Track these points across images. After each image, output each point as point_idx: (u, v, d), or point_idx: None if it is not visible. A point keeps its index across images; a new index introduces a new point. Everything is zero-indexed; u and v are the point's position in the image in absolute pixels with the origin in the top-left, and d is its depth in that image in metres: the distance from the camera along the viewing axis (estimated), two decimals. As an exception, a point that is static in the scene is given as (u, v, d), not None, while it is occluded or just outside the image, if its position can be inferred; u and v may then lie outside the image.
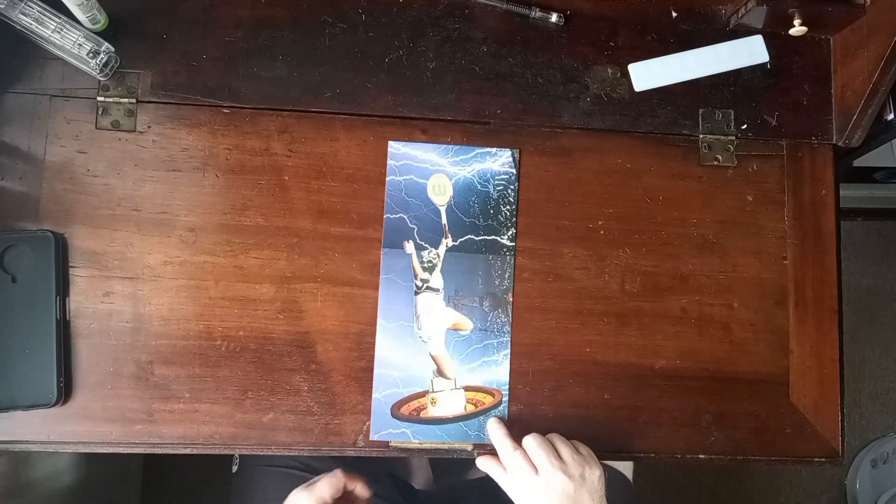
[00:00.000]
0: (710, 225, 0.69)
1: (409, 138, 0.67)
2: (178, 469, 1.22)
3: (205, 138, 0.65)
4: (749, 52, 0.71)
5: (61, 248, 0.62)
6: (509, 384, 0.66)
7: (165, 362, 0.63)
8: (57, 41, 0.61)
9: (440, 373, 0.65)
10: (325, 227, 0.65)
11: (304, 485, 0.61)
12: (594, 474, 0.59)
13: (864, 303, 1.47)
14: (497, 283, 0.66)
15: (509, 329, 0.66)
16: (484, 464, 0.63)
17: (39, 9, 0.60)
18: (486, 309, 0.66)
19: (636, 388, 0.67)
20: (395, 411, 0.65)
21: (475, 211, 0.67)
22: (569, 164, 0.69)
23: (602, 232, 0.68)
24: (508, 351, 0.66)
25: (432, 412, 0.65)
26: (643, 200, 0.69)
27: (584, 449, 0.61)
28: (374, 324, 0.65)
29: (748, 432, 0.68)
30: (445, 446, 0.65)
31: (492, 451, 0.63)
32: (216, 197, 0.65)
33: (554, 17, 0.69)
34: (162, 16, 0.65)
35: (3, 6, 0.59)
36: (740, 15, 0.69)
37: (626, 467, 0.86)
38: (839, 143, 0.71)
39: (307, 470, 0.72)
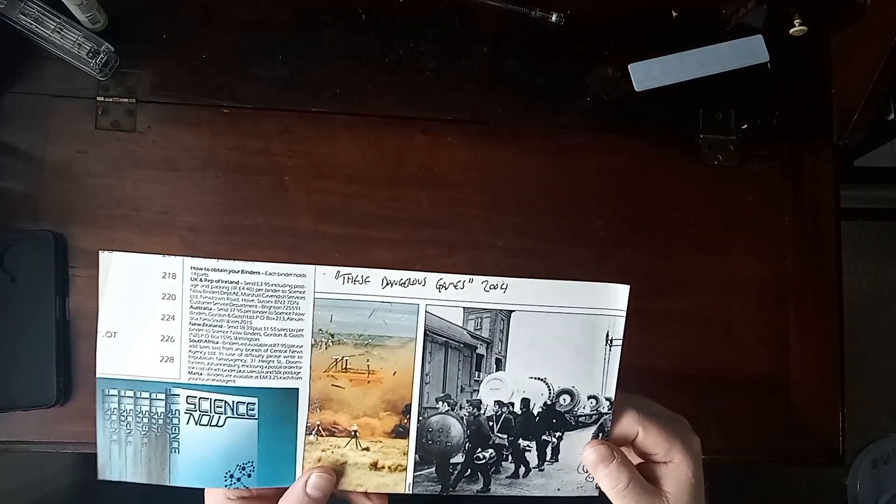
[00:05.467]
0: (710, 225, 0.69)
1: (409, 138, 0.67)
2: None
3: (205, 138, 0.65)
4: (749, 51, 0.71)
5: (61, 248, 0.62)
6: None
7: (165, 362, 0.63)
8: (57, 41, 0.61)
9: None
10: (325, 228, 0.65)
11: None
12: None
13: (865, 303, 1.47)
14: None
15: None
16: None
17: (39, 9, 0.60)
18: None
19: (636, 388, 0.67)
20: None
21: None
22: (569, 164, 0.69)
23: (602, 232, 0.68)
24: None
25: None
26: (644, 200, 0.69)
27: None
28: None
29: (748, 432, 0.68)
30: None
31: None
32: (216, 197, 0.65)
33: (554, 17, 0.69)
34: (162, 16, 0.65)
35: (2, 6, 0.59)
36: (741, 14, 0.69)
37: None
38: (839, 143, 0.71)
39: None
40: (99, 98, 0.64)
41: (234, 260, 0.41)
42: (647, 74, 0.69)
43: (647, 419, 0.44)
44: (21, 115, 0.63)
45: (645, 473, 0.44)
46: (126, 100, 0.64)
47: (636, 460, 0.46)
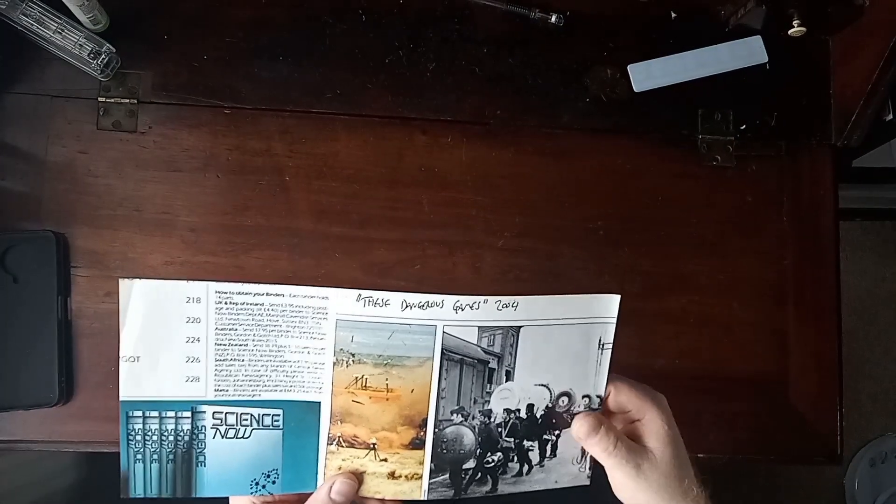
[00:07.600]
0: (710, 225, 0.69)
1: (409, 138, 0.67)
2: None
3: (206, 139, 0.65)
4: (748, 52, 0.71)
5: (63, 248, 0.62)
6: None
7: (166, 362, 0.63)
8: (58, 42, 0.61)
9: None
10: (325, 228, 0.65)
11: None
12: None
13: (864, 303, 1.47)
14: None
15: None
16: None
17: (40, 9, 0.60)
18: None
19: (636, 387, 0.67)
20: None
21: None
22: (569, 165, 0.69)
23: (602, 232, 0.68)
24: None
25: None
26: (643, 200, 0.69)
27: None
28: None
29: (748, 432, 0.68)
30: None
31: None
32: (217, 197, 0.65)
33: (554, 18, 0.69)
34: (163, 16, 0.66)
35: (4, 7, 0.60)
36: (740, 15, 0.69)
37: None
38: (838, 144, 0.71)
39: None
40: (100, 99, 0.64)
41: (259, 283, 0.42)
42: (646, 75, 0.70)
43: (617, 379, 0.47)
44: (22, 116, 0.63)
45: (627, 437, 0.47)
46: (127, 100, 0.64)
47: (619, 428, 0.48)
